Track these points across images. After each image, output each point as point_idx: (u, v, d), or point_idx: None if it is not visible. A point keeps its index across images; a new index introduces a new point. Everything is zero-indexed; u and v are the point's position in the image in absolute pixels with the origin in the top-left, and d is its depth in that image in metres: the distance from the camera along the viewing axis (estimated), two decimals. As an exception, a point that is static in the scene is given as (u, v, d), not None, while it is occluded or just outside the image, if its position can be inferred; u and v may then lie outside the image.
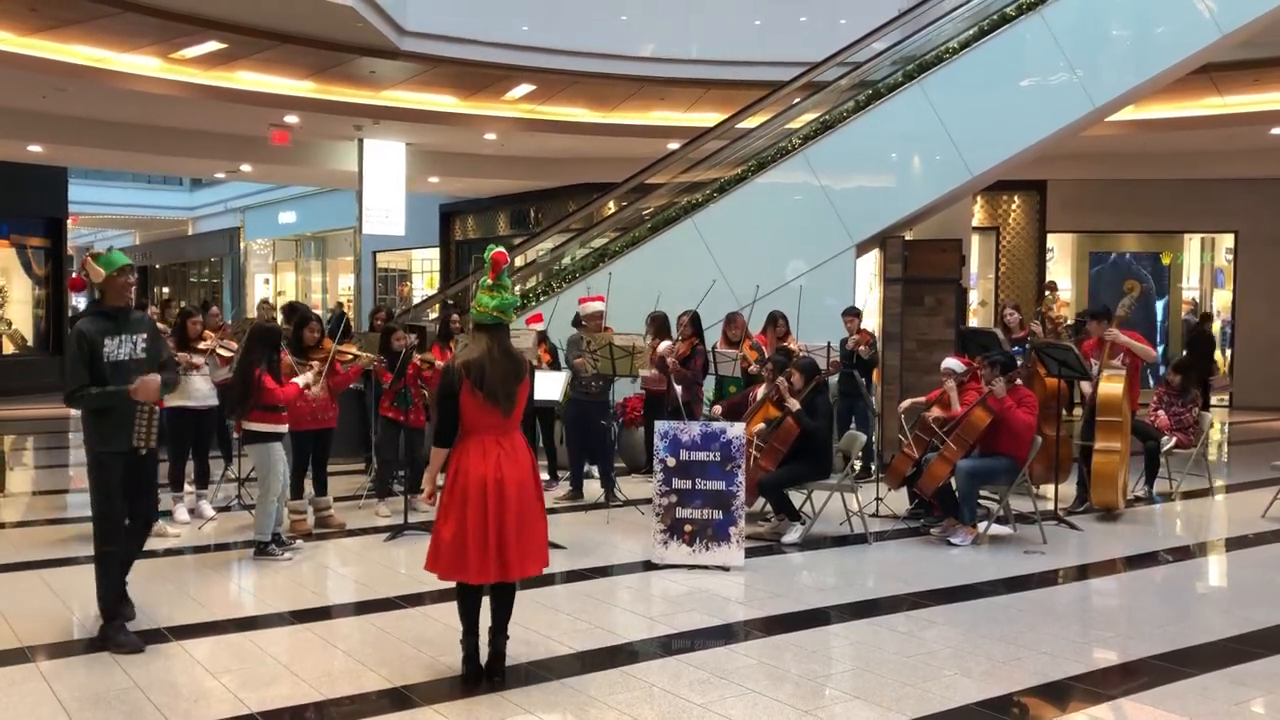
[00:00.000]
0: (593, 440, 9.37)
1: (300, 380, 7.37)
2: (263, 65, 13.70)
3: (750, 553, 7.15)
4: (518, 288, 13.41)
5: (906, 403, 8.60)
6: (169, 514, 8.17)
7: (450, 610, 5.86)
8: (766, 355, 9.46)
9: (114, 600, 5.36)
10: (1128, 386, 8.70)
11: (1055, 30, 11.34)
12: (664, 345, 9.76)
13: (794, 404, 7.69)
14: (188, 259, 35.00)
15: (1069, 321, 12.30)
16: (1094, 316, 9.03)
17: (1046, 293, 15.94)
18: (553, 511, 8.89)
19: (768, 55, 14.26)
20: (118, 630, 5.29)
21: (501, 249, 5.00)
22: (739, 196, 11.94)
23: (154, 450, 5.40)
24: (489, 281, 4.85)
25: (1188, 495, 9.88)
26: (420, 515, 8.00)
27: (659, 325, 10.09)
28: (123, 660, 5.09)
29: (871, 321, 12.20)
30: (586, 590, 6.51)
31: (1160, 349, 17.64)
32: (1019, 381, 7.95)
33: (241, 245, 30.28)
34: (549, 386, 7.84)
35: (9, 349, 20.30)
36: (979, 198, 17.28)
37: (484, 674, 4.87)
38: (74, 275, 5.24)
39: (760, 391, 8.39)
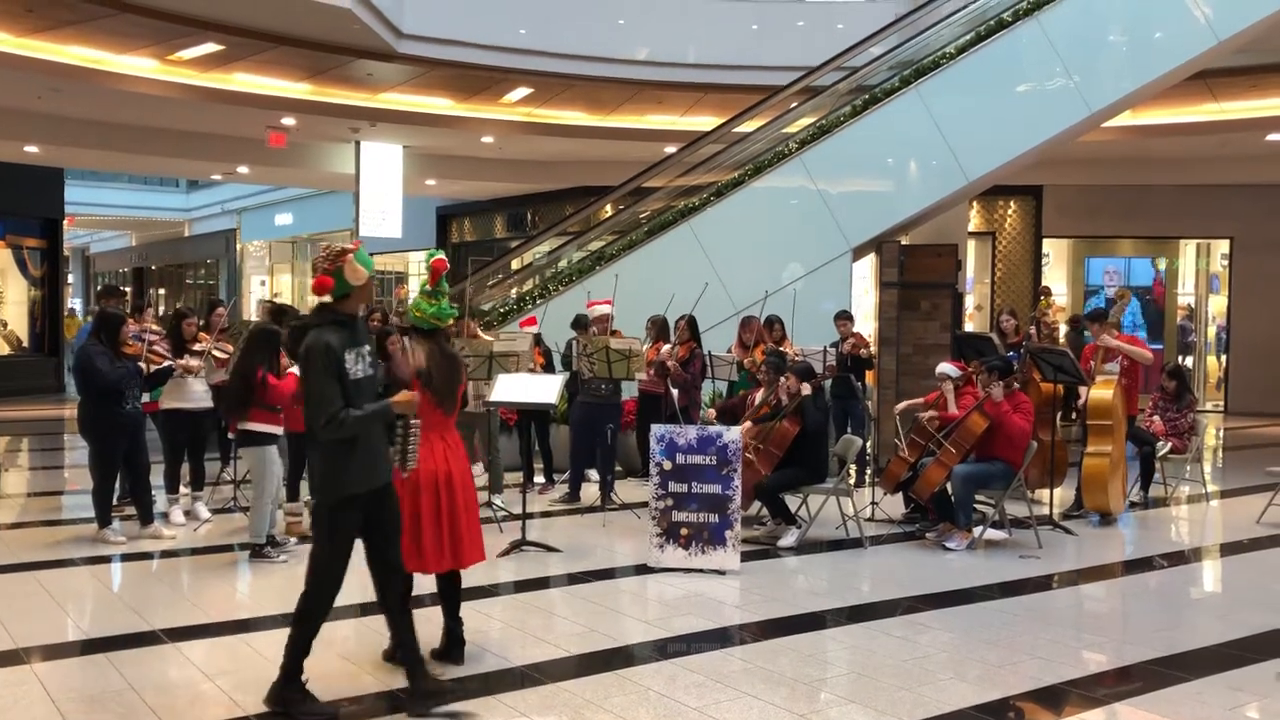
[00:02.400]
0: (600, 443, 9.37)
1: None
2: (260, 67, 13.69)
3: (746, 557, 7.16)
4: (514, 290, 13.42)
5: (903, 404, 8.62)
6: (165, 516, 8.16)
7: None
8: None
9: (301, 659, 4.52)
10: (1124, 392, 8.72)
11: (1052, 36, 11.37)
12: (664, 349, 9.76)
13: (806, 389, 7.70)
14: (184, 260, 34.95)
15: (1063, 327, 12.33)
16: (1092, 319, 9.06)
17: (1041, 298, 15.99)
18: (548, 515, 8.92)
19: (765, 60, 14.28)
20: (301, 694, 4.50)
21: (442, 256, 5.09)
22: (736, 200, 11.95)
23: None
24: (428, 288, 4.98)
25: (1183, 500, 9.90)
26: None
27: (659, 329, 10.09)
28: (118, 662, 5.09)
29: (867, 325, 12.22)
30: (582, 593, 6.51)
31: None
32: (1016, 386, 7.96)
33: (238, 247, 30.25)
34: (544, 390, 7.83)
35: (4, 350, 20.26)
36: (975, 203, 17.31)
37: (442, 658, 5.08)
38: (322, 274, 4.43)
39: (759, 396, 8.39)
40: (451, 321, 5.16)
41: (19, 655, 5.20)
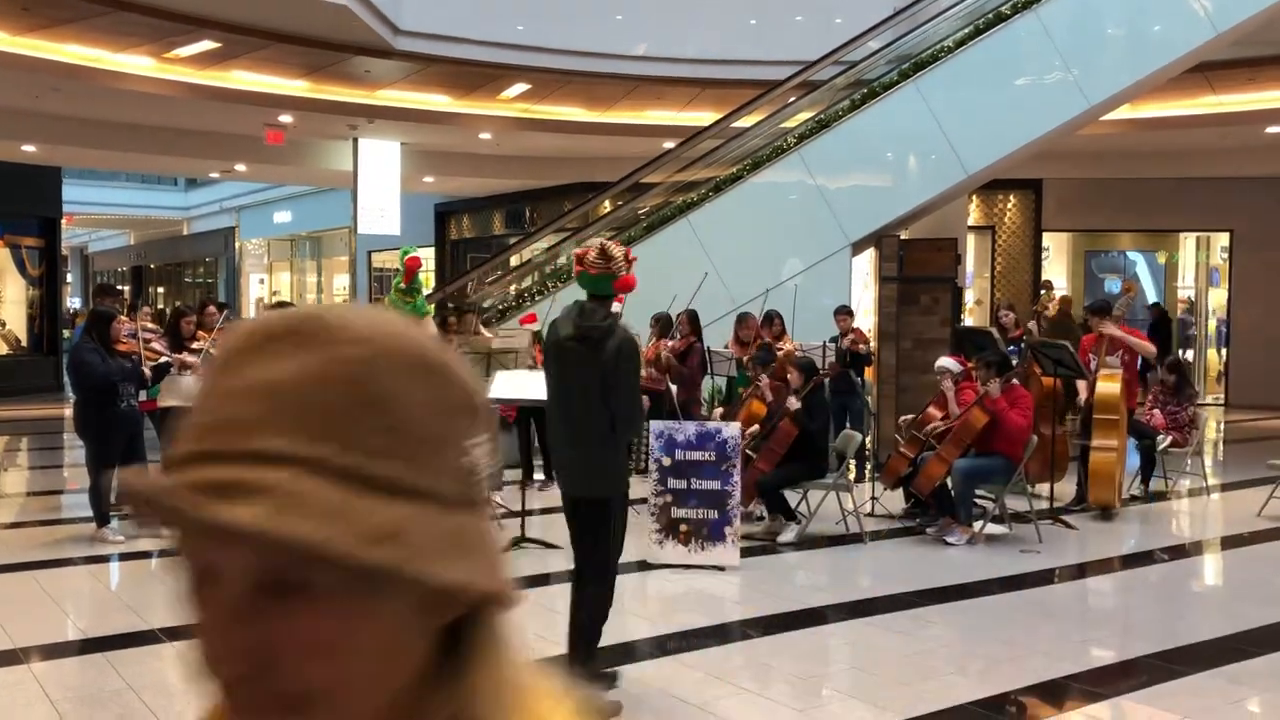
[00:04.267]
0: None
1: None
2: (257, 64, 13.66)
3: (746, 552, 7.14)
4: (513, 287, 13.40)
5: (906, 419, 8.58)
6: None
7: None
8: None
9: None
10: (1125, 385, 8.70)
11: (1050, 29, 11.34)
12: (663, 344, 9.74)
13: (794, 402, 7.68)
14: (183, 259, 34.93)
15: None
16: (1094, 312, 9.01)
17: (1042, 292, 15.95)
18: (547, 511, 8.90)
19: (763, 54, 14.24)
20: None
21: (417, 254, 5.13)
22: (734, 196, 11.92)
23: None
24: (403, 285, 5.00)
25: (1183, 494, 9.88)
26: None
27: (661, 326, 10.06)
28: (116, 662, 5.08)
29: (866, 321, 12.20)
30: (582, 590, 6.49)
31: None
32: (1015, 381, 7.94)
33: (236, 245, 30.24)
34: (543, 386, 7.80)
35: (2, 349, 20.24)
36: (974, 197, 17.27)
37: None
38: (628, 274, 4.52)
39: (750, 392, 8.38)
40: (454, 320, 5.20)
41: (17, 655, 5.19)
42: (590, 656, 4.52)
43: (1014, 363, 8.42)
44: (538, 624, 5.76)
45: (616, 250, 4.48)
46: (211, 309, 9.58)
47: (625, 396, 4.34)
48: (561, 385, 4.52)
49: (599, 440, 4.38)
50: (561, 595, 6.38)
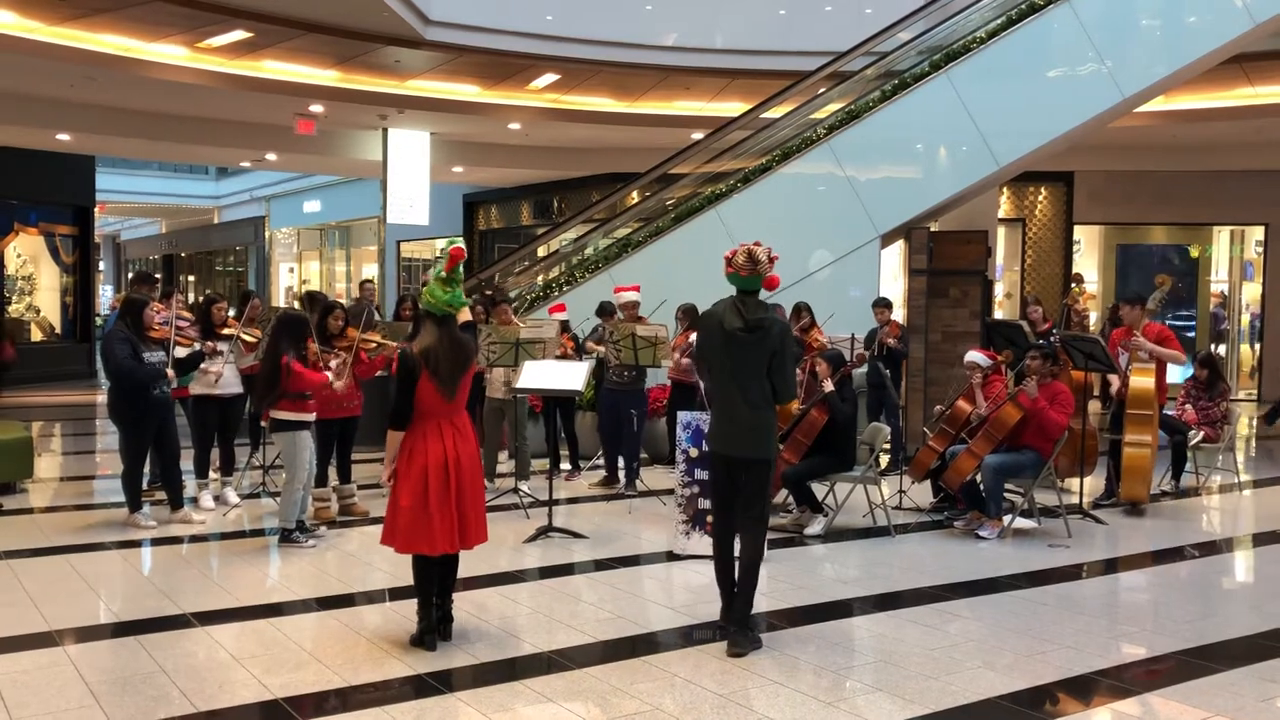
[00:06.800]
0: (624, 430, 9.38)
1: (329, 375, 7.40)
2: (288, 54, 13.74)
3: (772, 544, 7.13)
4: (540, 277, 13.43)
5: (938, 408, 8.55)
6: (194, 500, 8.24)
7: (472, 598, 5.90)
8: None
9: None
10: (1156, 380, 8.62)
11: (1084, 20, 11.24)
12: (693, 337, 9.71)
13: (829, 385, 7.66)
14: (213, 247, 35.19)
15: (1093, 314, 12.19)
16: (1127, 303, 8.90)
17: (1073, 285, 15.82)
18: (574, 501, 8.94)
19: (793, 45, 14.20)
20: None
21: (460, 244, 5.13)
22: (763, 187, 11.89)
23: None
24: (444, 274, 5.02)
25: (1215, 490, 9.79)
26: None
27: (691, 317, 10.03)
28: (149, 645, 5.14)
29: (895, 314, 12.14)
30: (608, 580, 6.52)
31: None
32: (1049, 379, 7.85)
33: (266, 234, 30.43)
34: (571, 376, 7.83)
35: (37, 336, 20.49)
36: (1005, 189, 17.15)
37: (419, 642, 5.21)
38: (774, 275, 5.31)
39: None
40: (479, 309, 5.23)
41: (52, 637, 5.27)
42: (753, 592, 5.28)
43: (1056, 358, 8.35)
44: (562, 611, 5.79)
45: (762, 255, 5.25)
46: (256, 301, 9.63)
47: (790, 371, 5.32)
48: (739, 366, 5.25)
49: (768, 410, 5.28)
50: (587, 584, 6.42)
